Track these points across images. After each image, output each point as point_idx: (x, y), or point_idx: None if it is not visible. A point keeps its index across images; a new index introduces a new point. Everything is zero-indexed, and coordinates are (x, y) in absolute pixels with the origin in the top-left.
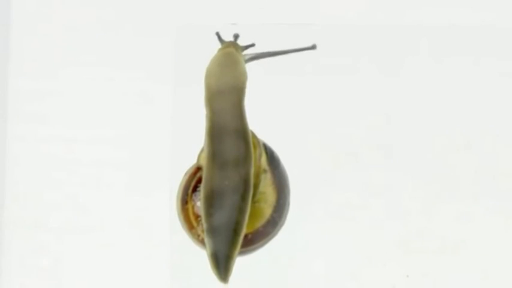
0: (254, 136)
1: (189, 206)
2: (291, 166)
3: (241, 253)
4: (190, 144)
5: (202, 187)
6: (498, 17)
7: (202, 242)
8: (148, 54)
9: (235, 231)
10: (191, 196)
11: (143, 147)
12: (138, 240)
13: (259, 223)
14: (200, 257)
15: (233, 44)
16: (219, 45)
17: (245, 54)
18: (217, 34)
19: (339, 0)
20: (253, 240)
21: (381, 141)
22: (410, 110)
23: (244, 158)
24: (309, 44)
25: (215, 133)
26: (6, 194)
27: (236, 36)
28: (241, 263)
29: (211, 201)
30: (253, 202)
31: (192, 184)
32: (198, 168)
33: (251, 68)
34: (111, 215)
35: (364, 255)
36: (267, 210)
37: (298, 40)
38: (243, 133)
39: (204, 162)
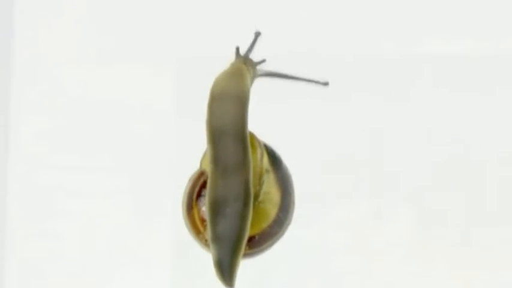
0: (254, 137)
1: (195, 211)
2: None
3: (250, 255)
4: (192, 173)
5: (206, 196)
6: (504, 46)
7: (209, 246)
8: (150, 85)
9: (239, 238)
10: (196, 201)
11: (145, 176)
12: (140, 265)
13: (266, 223)
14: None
15: (244, 60)
16: None
17: (258, 69)
18: (237, 48)
19: (342, 30)
20: (260, 241)
21: (385, 163)
22: (415, 132)
23: (243, 164)
24: (322, 80)
25: (215, 138)
26: (7, 228)
27: (254, 42)
28: (245, 266)
29: (215, 210)
30: (258, 203)
31: (196, 189)
32: (201, 174)
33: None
34: (112, 238)
35: (366, 271)
36: (273, 210)
37: (302, 70)
38: (241, 139)
39: (207, 169)
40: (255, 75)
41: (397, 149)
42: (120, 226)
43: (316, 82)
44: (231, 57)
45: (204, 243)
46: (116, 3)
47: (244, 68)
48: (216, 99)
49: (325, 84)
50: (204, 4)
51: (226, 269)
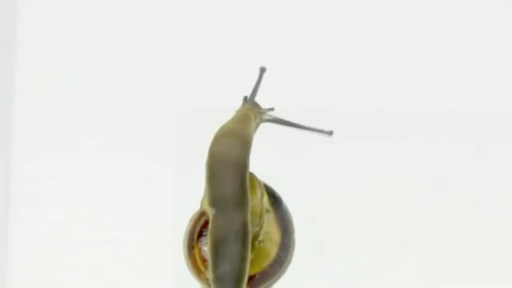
0: (254, 177)
1: (196, 251)
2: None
3: None
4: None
5: (208, 237)
6: (498, 102)
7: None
8: (150, 140)
9: (239, 278)
10: (197, 241)
11: (145, 230)
12: None
13: (266, 263)
14: None
15: (251, 106)
16: None
17: (264, 115)
18: (245, 97)
19: (344, 88)
20: (261, 280)
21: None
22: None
23: (241, 205)
24: (327, 129)
25: (214, 179)
26: (8, 278)
27: (259, 80)
28: None
29: (216, 251)
30: (259, 242)
31: (197, 229)
32: (202, 214)
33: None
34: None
35: None
36: (273, 250)
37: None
38: (241, 181)
39: (207, 208)
40: (260, 121)
41: (399, 197)
42: (120, 277)
43: (321, 131)
44: (231, 111)
45: (206, 282)
46: (115, 57)
47: (250, 113)
48: (218, 142)
49: (330, 133)
50: (204, 59)
51: None
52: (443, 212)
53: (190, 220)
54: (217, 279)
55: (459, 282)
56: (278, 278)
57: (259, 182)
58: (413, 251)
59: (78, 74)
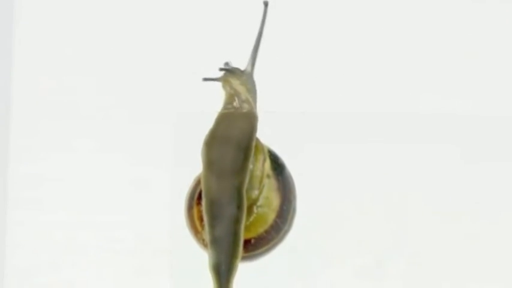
0: (258, 141)
1: (194, 210)
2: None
3: (246, 258)
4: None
5: (202, 198)
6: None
7: (207, 246)
8: (148, 140)
9: (234, 242)
10: (197, 201)
11: (142, 231)
12: None
13: (263, 228)
14: None
15: (231, 74)
16: None
17: (245, 69)
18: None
19: (335, 89)
20: (256, 246)
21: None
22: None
23: (240, 170)
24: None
25: (214, 143)
26: (6, 280)
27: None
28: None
29: (212, 212)
30: (257, 207)
31: (198, 190)
32: None
33: None
34: None
35: None
36: (271, 215)
37: (297, 128)
38: (244, 148)
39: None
40: (249, 75)
41: (398, 198)
42: (118, 277)
43: (265, 13)
44: None
45: (202, 243)
46: (113, 58)
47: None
48: (224, 118)
49: (265, 4)
50: (203, 59)
51: (224, 272)
52: (443, 213)
53: (194, 180)
54: (214, 240)
55: (459, 283)
56: (274, 245)
57: (262, 146)
58: (412, 252)
59: (76, 75)
